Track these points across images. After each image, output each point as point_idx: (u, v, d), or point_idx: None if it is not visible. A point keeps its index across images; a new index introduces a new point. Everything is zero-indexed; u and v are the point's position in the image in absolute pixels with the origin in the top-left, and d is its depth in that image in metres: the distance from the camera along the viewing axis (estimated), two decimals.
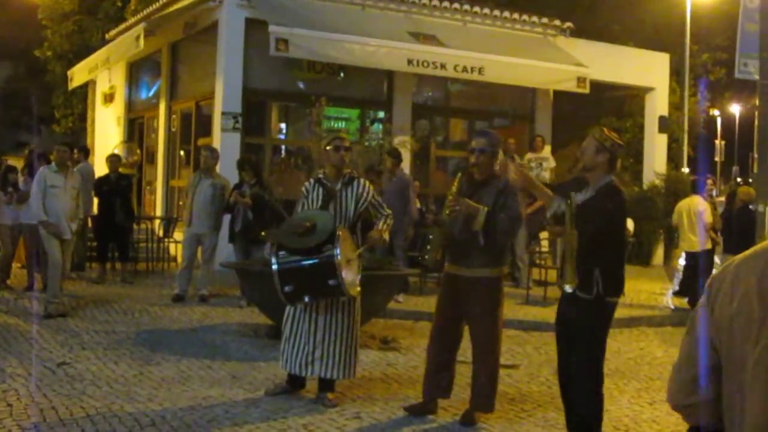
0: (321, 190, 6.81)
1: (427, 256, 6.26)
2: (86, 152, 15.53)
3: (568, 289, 5.32)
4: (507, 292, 12.96)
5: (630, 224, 14.54)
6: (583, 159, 5.59)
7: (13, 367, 7.59)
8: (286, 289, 6.34)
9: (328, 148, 6.90)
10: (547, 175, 15.83)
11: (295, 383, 6.99)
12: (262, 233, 9.75)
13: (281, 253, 6.42)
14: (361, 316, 9.29)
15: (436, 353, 6.56)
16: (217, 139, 14.75)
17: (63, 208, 10.21)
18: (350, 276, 6.46)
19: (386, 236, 6.99)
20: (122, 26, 18.78)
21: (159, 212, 17.68)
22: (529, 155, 16.28)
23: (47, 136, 27.96)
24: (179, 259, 13.24)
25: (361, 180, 6.99)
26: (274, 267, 6.35)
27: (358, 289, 6.69)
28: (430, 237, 6.27)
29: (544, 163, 16.37)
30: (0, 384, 6.99)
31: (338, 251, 6.24)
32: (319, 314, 6.62)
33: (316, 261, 6.32)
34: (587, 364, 5.47)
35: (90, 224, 14.05)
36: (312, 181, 6.99)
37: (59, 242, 10.19)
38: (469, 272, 6.31)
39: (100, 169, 14.89)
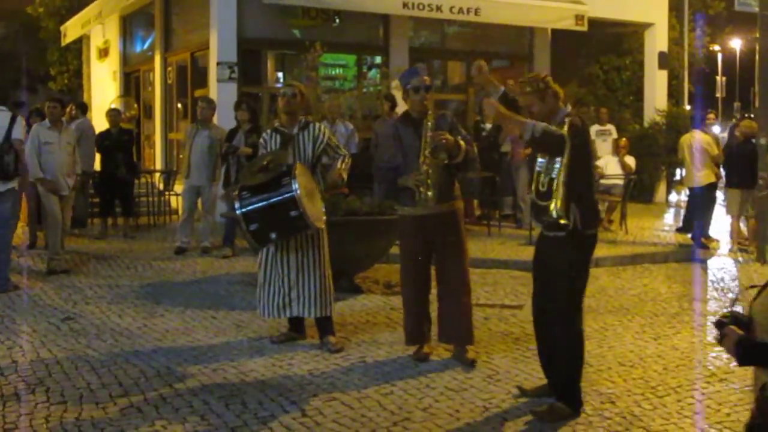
0: (278, 137, 6.94)
1: (429, 192, 6.20)
2: (84, 108, 15.41)
3: (563, 223, 5.19)
4: (510, 234, 13.10)
5: (632, 161, 14.48)
6: (535, 114, 5.45)
7: (17, 324, 7.61)
8: (252, 227, 6.39)
9: (278, 97, 7.09)
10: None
11: (298, 329, 7.07)
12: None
13: (244, 194, 6.45)
14: (365, 261, 9.37)
15: (414, 298, 6.57)
16: (213, 90, 14.64)
17: (59, 164, 10.16)
18: (313, 209, 6.49)
19: (344, 175, 6.99)
20: None
21: (159, 166, 17.61)
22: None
23: (44, 94, 27.77)
24: (180, 212, 13.21)
25: (317, 124, 7.14)
26: (238, 210, 6.40)
27: (323, 221, 6.75)
28: (426, 178, 6.20)
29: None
30: (5, 341, 7.00)
31: (296, 183, 6.30)
32: (290, 255, 6.69)
33: (274, 194, 6.36)
34: (569, 301, 5.36)
35: (91, 180, 13.99)
36: (269, 131, 7.14)
37: (57, 198, 10.16)
38: (444, 207, 6.34)
39: (99, 124, 14.80)
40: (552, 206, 5.14)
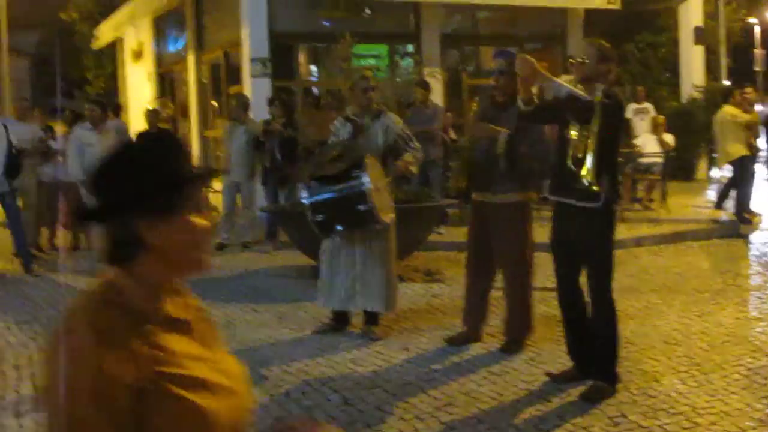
0: (350, 125, 6.85)
1: (448, 184, 6.19)
2: (118, 110, 15.57)
3: (586, 182, 5.12)
4: (550, 216, 12.97)
5: (670, 139, 14.31)
6: (583, 68, 5.37)
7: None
8: (318, 218, 6.39)
9: (355, 89, 6.94)
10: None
11: (341, 320, 7.02)
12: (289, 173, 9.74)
13: (312, 183, 6.45)
14: (403, 249, 9.36)
15: (472, 282, 6.54)
16: (247, 86, 14.70)
17: None
18: (381, 203, 6.43)
19: (413, 169, 6.93)
20: None
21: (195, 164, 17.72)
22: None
23: (81, 98, 28.09)
24: (219, 208, 13.30)
25: (389, 113, 7.02)
26: (305, 200, 6.42)
27: (392, 215, 6.66)
28: (451, 165, 6.19)
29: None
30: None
31: (366, 176, 6.23)
32: (356, 248, 6.61)
33: (344, 187, 6.31)
34: (605, 280, 5.31)
35: None
36: (341, 118, 7.04)
37: None
38: (495, 198, 6.26)
39: (135, 125, 14.94)
40: (584, 171, 5.10)
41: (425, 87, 12.12)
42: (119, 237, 1.75)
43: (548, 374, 5.76)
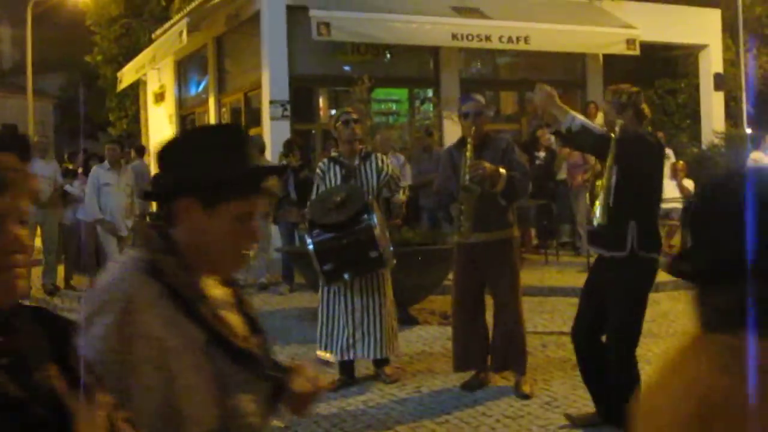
0: (338, 168, 6.57)
1: (461, 229, 6.07)
2: (141, 151, 15.69)
3: (596, 222, 5.06)
4: (568, 261, 12.93)
5: (690, 184, 14.24)
6: (608, 126, 5.31)
7: None
8: (326, 267, 6.14)
9: (337, 124, 6.65)
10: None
11: (346, 370, 6.74)
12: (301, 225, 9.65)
13: (315, 231, 6.23)
14: (419, 292, 9.30)
15: (461, 325, 6.48)
16: (266, 129, 14.77)
17: (118, 206, 10.32)
18: (386, 246, 6.29)
19: (403, 208, 6.89)
20: (167, 25, 18.90)
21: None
22: None
23: (104, 140, 28.38)
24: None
25: (378, 154, 6.85)
26: (310, 247, 6.16)
27: (394, 261, 6.49)
28: (462, 207, 6.07)
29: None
30: None
31: (375, 220, 6.08)
32: (355, 294, 6.41)
33: (353, 234, 6.12)
34: (629, 328, 5.19)
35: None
36: (326, 161, 6.77)
37: (116, 240, 10.30)
38: (492, 236, 6.21)
39: (157, 167, 15.03)
40: (595, 208, 5.03)
41: (431, 134, 12.13)
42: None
43: (567, 416, 5.67)
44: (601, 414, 5.42)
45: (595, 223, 5.05)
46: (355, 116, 6.64)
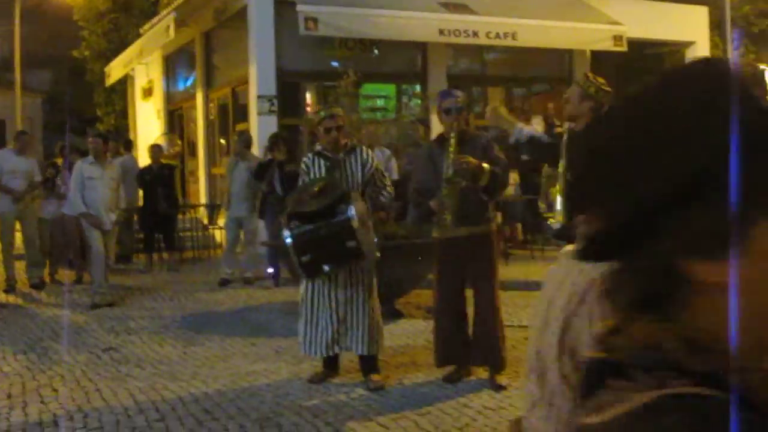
0: (322, 161, 6.50)
1: (447, 217, 6.05)
2: (129, 145, 15.67)
3: (554, 224, 5.15)
4: (554, 256, 12.92)
5: None
6: (567, 108, 5.37)
7: (59, 355, 7.69)
8: (304, 259, 6.00)
9: (319, 128, 6.58)
10: None
11: (331, 365, 6.69)
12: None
13: (294, 223, 6.10)
14: (404, 286, 9.31)
15: (443, 320, 6.49)
16: (254, 124, 14.74)
17: (102, 199, 10.29)
18: (367, 238, 6.18)
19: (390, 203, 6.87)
20: (155, 19, 18.85)
21: (203, 201, 17.77)
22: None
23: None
24: (224, 245, 13.31)
25: (363, 147, 6.75)
26: (288, 240, 6.00)
27: (378, 254, 6.44)
28: (443, 201, 6.06)
29: None
30: (47, 371, 7.07)
31: (353, 210, 5.96)
32: (339, 288, 6.33)
33: (331, 223, 6.00)
34: None
35: (136, 216, 14.16)
36: (311, 155, 6.70)
37: (100, 233, 10.27)
38: (474, 230, 6.23)
39: (145, 162, 15.02)
40: (553, 215, 5.10)
41: (425, 124, 12.13)
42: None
43: None
44: None
45: (555, 225, 5.13)
46: (337, 123, 6.49)
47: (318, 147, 6.74)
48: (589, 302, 1.50)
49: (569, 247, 1.73)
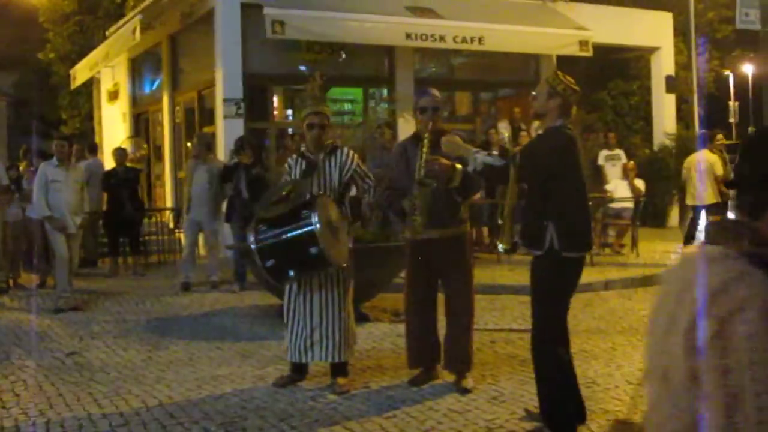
0: (304, 163, 6.49)
1: (417, 218, 6.03)
2: (94, 149, 15.54)
3: (501, 248, 5.25)
4: (519, 260, 12.92)
5: (641, 184, 14.41)
6: (534, 105, 5.42)
7: (21, 360, 7.60)
8: (268, 264, 5.96)
9: (304, 124, 6.54)
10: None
11: (299, 371, 6.63)
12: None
13: (260, 227, 6.04)
14: (370, 289, 9.30)
15: (414, 322, 6.49)
16: (220, 127, 14.70)
17: (66, 202, 10.18)
18: (336, 245, 6.09)
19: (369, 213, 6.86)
20: (121, 22, 18.73)
21: (169, 205, 17.66)
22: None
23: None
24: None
25: (345, 149, 6.66)
26: (252, 245, 5.95)
27: (347, 258, 6.33)
28: (415, 202, 6.05)
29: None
30: (9, 375, 6.99)
31: (316, 216, 5.87)
32: (314, 295, 6.28)
33: (292, 228, 5.93)
34: (545, 326, 5.24)
35: (101, 219, 14.04)
36: (294, 156, 6.69)
37: (64, 237, 10.17)
38: (445, 232, 6.22)
39: (110, 165, 14.91)
40: (500, 240, 5.21)
41: (392, 128, 12.13)
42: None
43: (526, 410, 5.72)
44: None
45: (500, 248, 5.22)
46: (321, 121, 6.45)
47: (302, 148, 6.70)
48: (720, 303, 1.54)
49: (691, 249, 1.77)
